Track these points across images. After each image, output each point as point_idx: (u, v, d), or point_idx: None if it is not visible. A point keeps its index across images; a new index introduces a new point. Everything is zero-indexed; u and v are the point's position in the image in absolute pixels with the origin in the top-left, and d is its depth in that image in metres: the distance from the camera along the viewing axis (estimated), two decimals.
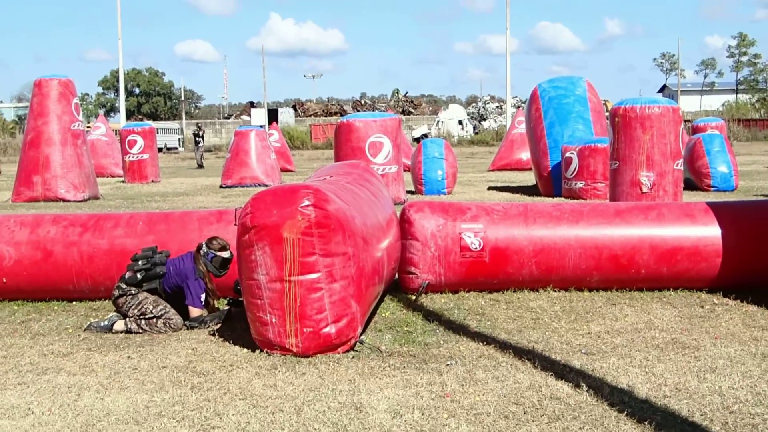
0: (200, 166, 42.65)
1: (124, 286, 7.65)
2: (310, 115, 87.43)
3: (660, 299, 8.39)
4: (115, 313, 7.74)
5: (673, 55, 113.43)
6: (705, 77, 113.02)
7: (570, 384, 5.74)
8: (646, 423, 4.98)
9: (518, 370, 6.11)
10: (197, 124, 57.20)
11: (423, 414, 5.23)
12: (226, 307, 7.84)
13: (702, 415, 5.15)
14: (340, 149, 19.19)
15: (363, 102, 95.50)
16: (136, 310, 7.52)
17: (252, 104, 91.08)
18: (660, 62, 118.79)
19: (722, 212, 8.66)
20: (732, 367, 6.10)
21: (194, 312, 7.62)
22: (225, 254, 7.77)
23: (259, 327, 6.59)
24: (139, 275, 7.62)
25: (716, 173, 21.38)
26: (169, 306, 7.60)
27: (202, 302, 7.64)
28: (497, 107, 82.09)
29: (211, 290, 7.75)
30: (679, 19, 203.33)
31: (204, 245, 7.76)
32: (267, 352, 6.60)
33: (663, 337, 6.98)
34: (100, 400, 5.63)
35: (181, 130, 78.72)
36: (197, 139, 44.70)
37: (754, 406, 5.27)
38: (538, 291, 8.67)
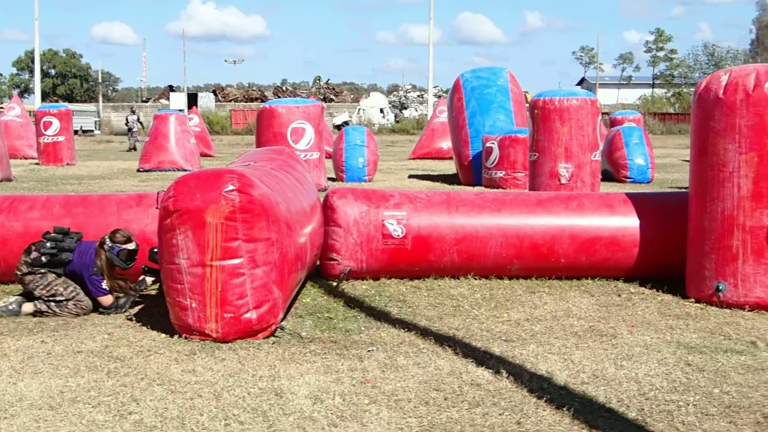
0: (132, 149, 41.92)
1: (29, 261, 7.45)
2: (230, 101, 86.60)
3: (578, 288, 8.51)
4: (19, 296, 7.54)
5: (592, 49, 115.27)
6: (623, 71, 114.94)
7: (490, 370, 5.79)
8: (564, 409, 5.05)
9: (439, 356, 6.14)
10: (131, 108, 56.44)
11: (344, 400, 5.22)
12: (142, 277, 7.69)
13: (619, 401, 5.23)
14: (261, 135, 19.03)
15: (284, 88, 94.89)
16: (45, 291, 7.36)
17: (171, 88, 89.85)
18: (579, 55, 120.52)
19: (640, 203, 8.81)
20: (648, 354, 6.21)
21: (104, 300, 7.47)
22: (130, 246, 7.57)
23: (179, 312, 6.50)
24: (44, 258, 7.43)
25: (633, 165, 21.76)
26: (78, 287, 7.45)
27: (106, 288, 7.47)
28: (418, 96, 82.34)
29: (121, 281, 7.59)
30: (599, 13, 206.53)
31: (107, 239, 7.54)
32: (186, 338, 6.52)
33: (581, 325, 7.08)
34: (13, 384, 5.50)
35: (98, 112, 77.27)
36: (131, 124, 43.85)
37: (669, 393, 5.38)
38: (458, 279, 8.72)
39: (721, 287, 7.65)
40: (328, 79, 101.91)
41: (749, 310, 7.53)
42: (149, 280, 7.68)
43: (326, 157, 21.24)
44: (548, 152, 15.36)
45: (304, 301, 7.86)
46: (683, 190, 11.45)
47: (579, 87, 49.93)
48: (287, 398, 5.23)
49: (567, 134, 15.15)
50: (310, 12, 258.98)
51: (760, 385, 5.54)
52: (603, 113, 20.39)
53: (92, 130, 70.38)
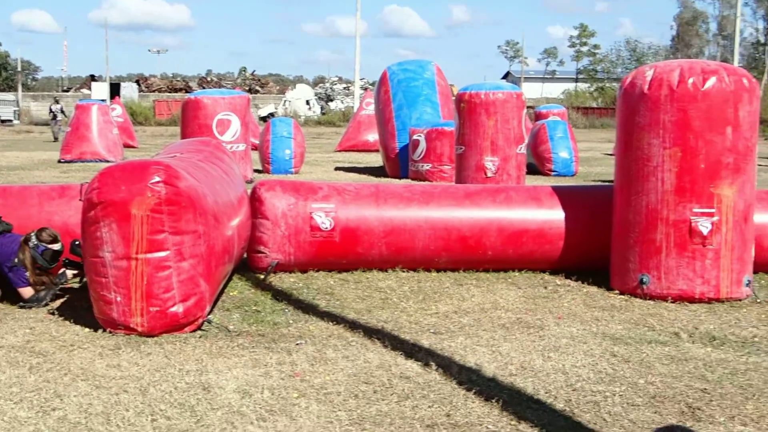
0: (56, 139, 41.01)
1: None
2: (153, 91, 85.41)
3: (505, 280, 8.57)
4: None
5: (517, 43, 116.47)
6: (547, 65, 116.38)
7: (419, 363, 5.79)
8: (493, 401, 5.07)
9: (368, 349, 6.13)
10: (55, 98, 55.21)
11: (273, 394, 5.18)
12: (62, 270, 7.54)
13: (546, 392, 5.28)
14: (186, 126, 18.83)
15: (209, 79, 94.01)
16: None
17: (93, 78, 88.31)
18: (504, 49, 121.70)
19: (566, 196, 8.91)
20: (574, 346, 6.28)
21: (25, 292, 7.30)
22: (56, 246, 7.40)
23: (103, 306, 6.38)
24: None
25: (558, 158, 21.99)
26: None
27: (27, 279, 7.31)
28: (345, 88, 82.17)
29: (43, 277, 7.43)
30: (524, 8, 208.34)
31: (33, 236, 7.37)
32: (110, 332, 6.40)
33: (509, 317, 7.13)
34: None
35: (17, 102, 75.57)
36: (55, 113, 42.86)
37: (596, 384, 5.44)
38: (387, 271, 8.72)
39: (645, 279, 7.77)
40: (254, 71, 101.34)
41: (672, 302, 7.66)
42: (70, 273, 7.54)
43: (252, 149, 21.09)
44: (474, 145, 15.46)
45: (231, 294, 7.78)
46: (607, 183, 11.60)
47: (504, 81, 50.46)
48: (215, 393, 5.17)
49: (493, 127, 15.26)
50: (236, 2, 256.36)
51: (683, 375, 5.64)
52: (528, 107, 20.56)
53: (11, 120, 68.84)
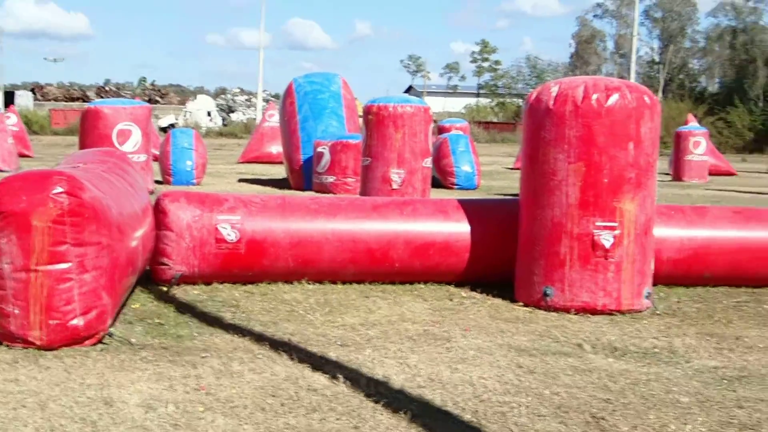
0: None
1: None
2: (50, 100, 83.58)
3: (411, 292, 8.59)
4: None
5: (420, 58, 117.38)
6: (449, 80, 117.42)
7: (327, 375, 5.75)
8: (401, 413, 5.06)
9: (275, 362, 6.07)
10: None
11: (177, 408, 5.07)
12: None
13: (454, 404, 5.30)
14: (86, 136, 18.42)
15: (107, 89, 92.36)
16: None
17: None
18: (407, 64, 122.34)
19: (471, 209, 8.98)
20: (481, 357, 6.32)
21: None
22: None
23: (0, 319, 6.17)
24: None
25: (460, 172, 22.24)
26: None
27: None
28: (246, 100, 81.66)
29: None
30: (426, 23, 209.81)
31: None
32: (7, 345, 6.19)
33: (416, 329, 7.14)
34: None
35: None
36: None
37: (502, 395, 5.48)
38: (293, 283, 8.65)
39: (548, 292, 7.88)
40: (154, 81, 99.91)
41: (575, 314, 7.78)
42: None
43: (153, 160, 20.77)
44: (381, 157, 15.52)
45: (133, 306, 7.61)
46: (510, 197, 11.75)
47: (407, 95, 50.91)
48: (118, 407, 5.04)
49: (400, 140, 15.35)
50: (137, 12, 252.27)
51: (587, 385, 5.72)
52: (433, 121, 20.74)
53: None
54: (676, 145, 29.56)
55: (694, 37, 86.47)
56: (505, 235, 8.65)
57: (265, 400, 5.25)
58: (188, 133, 22.33)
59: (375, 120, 15.59)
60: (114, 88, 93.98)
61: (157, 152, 23.92)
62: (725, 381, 5.92)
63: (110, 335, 6.45)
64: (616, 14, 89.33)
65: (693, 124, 32.25)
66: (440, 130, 30.09)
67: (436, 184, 21.36)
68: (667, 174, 29.54)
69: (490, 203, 9.85)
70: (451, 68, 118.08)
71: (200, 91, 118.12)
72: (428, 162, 15.88)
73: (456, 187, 22.08)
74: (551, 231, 7.88)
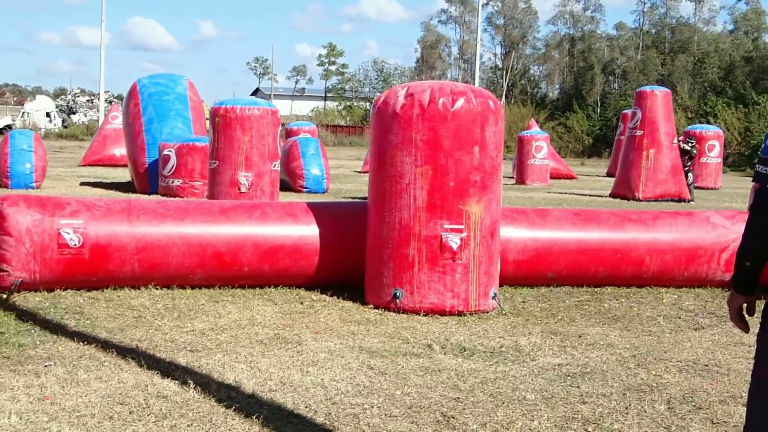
0: None
1: None
2: None
3: (261, 296, 8.54)
4: None
5: (266, 60, 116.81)
6: (296, 83, 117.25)
7: (176, 382, 5.66)
8: (254, 417, 5.03)
9: (122, 369, 5.92)
10: None
11: (21, 418, 4.89)
12: None
13: (306, 407, 5.29)
14: None
15: None
16: None
17: None
18: (253, 66, 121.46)
19: (321, 212, 8.99)
20: (333, 360, 6.34)
21: None
22: None
23: None
24: None
25: (309, 175, 22.25)
26: None
27: None
28: (88, 101, 79.59)
29: None
30: (271, 25, 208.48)
31: None
32: None
33: (266, 333, 7.10)
34: None
35: None
36: None
37: (354, 397, 5.51)
38: (140, 289, 8.48)
39: (398, 294, 7.97)
40: None
41: (424, 315, 7.90)
42: None
43: None
44: (229, 160, 15.38)
45: None
46: (359, 200, 11.83)
47: (254, 97, 50.56)
48: None
49: (248, 143, 15.24)
50: None
51: (437, 385, 5.81)
52: (281, 124, 20.67)
53: None
54: (519, 149, 30.39)
55: (535, 44, 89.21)
56: (354, 238, 8.70)
57: (113, 408, 5.12)
58: (27, 135, 21.59)
59: (222, 123, 15.44)
60: None
61: None
62: (569, 378, 6.12)
63: None
64: (459, 20, 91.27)
65: (535, 128, 33.24)
66: (288, 133, 30.09)
67: (285, 187, 21.33)
68: (510, 177, 30.33)
69: (339, 206, 9.88)
70: (298, 71, 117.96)
71: (38, 91, 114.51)
72: (277, 165, 15.83)
73: (305, 190, 22.08)
74: (399, 233, 7.97)
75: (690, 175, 23.69)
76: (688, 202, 22.89)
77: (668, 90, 24.87)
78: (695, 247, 9.50)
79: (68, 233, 8.14)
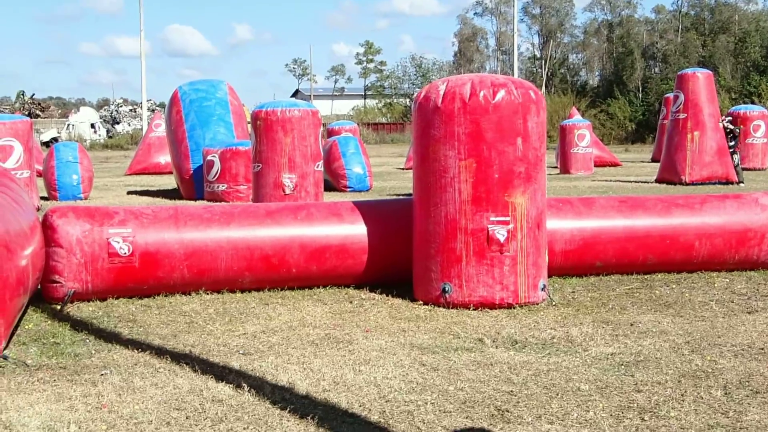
0: None
1: None
2: None
3: (311, 297, 8.58)
4: None
5: (305, 61, 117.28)
6: (335, 83, 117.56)
7: (231, 385, 5.70)
8: (308, 418, 5.06)
9: (177, 375, 5.98)
10: None
11: (80, 427, 4.96)
12: None
13: (360, 406, 5.31)
14: None
15: None
16: None
17: None
18: (292, 67, 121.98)
19: (367, 211, 9.01)
20: (384, 358, 6.35)
21: None
22: None
23: None
24: None
25: (352, 174, 22.31)
26: None
27: None
28: (131, 110, 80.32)
29: None
30: (307, 26, 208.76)
31: None
32: None
33: (317, 334, 7.13)
34: None
35: None
36: None
37: (408, 394, 5.52)
38: (190, 294, 8.56)
39: (447, 288, 7.96)
40: (33, 94, 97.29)
41: (474, 309, 7.89)
42: None
43: (37, 176, 20.26)
44: (272, 163, 15.44)
45: (26, 327, 7.41)
46: (403, 196, 11.83)
47: (294, 98, 50.64)
48: (18, 431, 4.90)
49: (290, 145, 15.29)
50: (4, 21, 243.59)
51: (490, 379, 5.80)
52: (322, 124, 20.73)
53: None
54: (561, 139, 30.19)
55: (573, 31, 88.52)
56: (400, 235, 8.71)
57: (169, 414, 5.18)
58: (72, 147, 21.83)
59: (263, 125, 15.51)
60: None
61: (40, 168, 23.35)
62: (623, 366, 6.08)
63: (5, 358, 6.28)
64: (495, 12, 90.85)
65: (576, 117, 33.00)
66: (330, 133, 30.15)
67: (329, 187, 21.39)
68: (554, 167, 30.17)
69: (384, 204, 9.90)
70: (337, 70, 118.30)
71: (82, 102, 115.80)
72: (320, 165, 15.87)
73: (349, 189, 22.14)
74: (446, 228, 7.97)
75: (736, 156, 23.39)
76: (738, 183, 22.61)
77: (710, 71, 24.58)
78: (745, 229, 9.40)
79: (118, 242, 8.23)
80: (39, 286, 8.19)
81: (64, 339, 7.04)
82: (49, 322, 7.65)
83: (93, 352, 6.66)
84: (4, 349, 6.34)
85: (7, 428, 4.94)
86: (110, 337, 7.11)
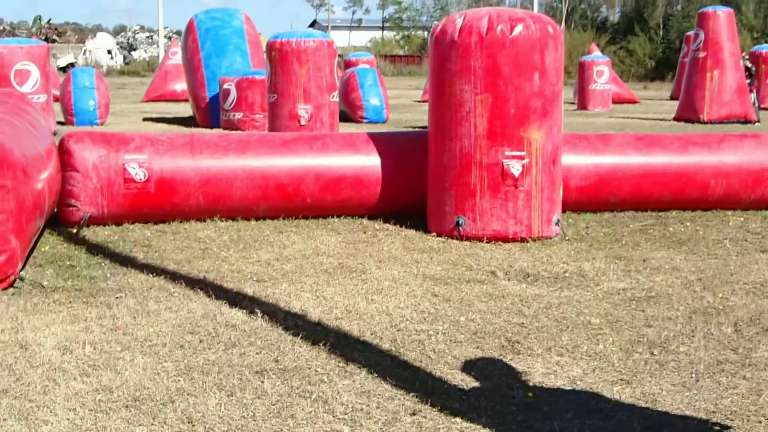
0: None
1: None
2: None
3: (325, 226, 8.61)
4: None
5: None
6: (353, 14, 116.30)
7: (244, 311, 5.76)
8: (320, 344, 5.11)
9: (191, 300, 6.05)
10: None
11: (95, 348, 5.03)
12: None
13: (372, 334, 5.36)
14: None
15: (2, 28, 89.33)
16: None
17: None
18: None
19: (381, 142, 9.00)
20: (397, 288, 6.40)
21: None
22: None
23: None
24: None
25: (369, 106, 22.24)
26: None
27: None
28: (148, 38, 79.88)
29: None
30: None
31: None
32: None
33: (330, 263, 7.18)
34: None
35: None
36: None
37: (419, 324, 5.57)
38: (205, 221, 8.61)
39: (461, 222, 7.98)
40: (50, 19, 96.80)
41: (487, 242, 7.91)
42: None
43: (54, 101, 20.26)
44: (287, 94, 15.42)
45: (42, 249, 7.49)
46: (419, 129, 11.80)
47: (311, 29, 50.39)
48: (33, 350, 4.98)
49: (305, 76, 15.24)
50: None
51: (501, 311, 5.85)
52: (338, 55, 20.63)
53: None
54: (579, 75, 29.95)
55: None
56: (415, 168, 8.70)
57: (183, 338, 5.24)
58: (89, 72, 21.78)
59: (278, 56, 15.44)
60: (8, 28, 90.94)
61: (57, 92, 23.34)
62: (634, 302, 6.11)
63: (21, 279, 6.35)
64: None
65: (596, 53, 32.68)
66: (347, 64, 30.00)
67: (345, 118, 21.35)
68: (572, 103, 29.96)
69: (399, 136, 9.88)
70: (355, 2, 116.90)
71: (99, 29, 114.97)
72: (335, 96, 15.83)
73: (365, 120, 22.08)
74: (461, 162, 7.96)
75: (753, 94, 23.20)
76: (755, 123, 22.45)
77: (731, 9, 24.25)
78: (762, 169, 9.36)
79: (134, 168, 8.26)
80: (55, 210, 8.25)
81: (80, 262, 7.11)
82: (65, 245, 7.72)
83: (108, 275, 6.73)
84: (21, 270, 6.41)
85: (23, 347, 5.02)
86: (125, 261, 7.18)
